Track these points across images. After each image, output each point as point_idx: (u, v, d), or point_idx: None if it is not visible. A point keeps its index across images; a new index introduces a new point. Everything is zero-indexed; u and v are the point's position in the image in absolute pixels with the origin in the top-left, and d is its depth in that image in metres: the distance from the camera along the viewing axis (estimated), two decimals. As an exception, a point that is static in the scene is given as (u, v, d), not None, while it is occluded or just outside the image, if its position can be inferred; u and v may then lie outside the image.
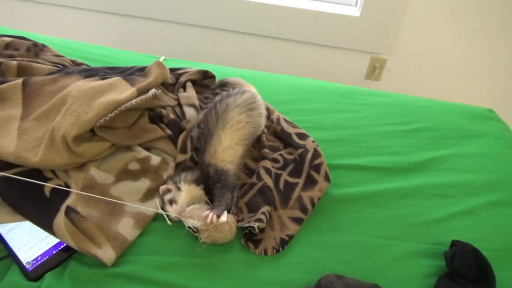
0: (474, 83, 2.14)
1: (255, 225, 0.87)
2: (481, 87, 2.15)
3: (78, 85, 0.99)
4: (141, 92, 0.98)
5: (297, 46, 2.22)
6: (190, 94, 1.11)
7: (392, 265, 0.87)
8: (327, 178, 1.00)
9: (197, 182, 0.92)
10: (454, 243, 0.87)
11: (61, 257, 0.84)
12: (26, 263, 0.83)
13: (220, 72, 1.35)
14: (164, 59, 1.46)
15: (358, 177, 1.06)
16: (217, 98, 1.05)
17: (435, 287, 0.81)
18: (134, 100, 0.93)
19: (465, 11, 1.88)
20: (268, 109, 1.17)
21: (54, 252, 0.85)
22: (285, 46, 2.23)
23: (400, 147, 1.15)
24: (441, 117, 1.27)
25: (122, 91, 0.98)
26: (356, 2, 2.12)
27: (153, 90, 0.98)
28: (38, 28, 2.16)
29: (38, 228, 0.87)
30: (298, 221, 0.93)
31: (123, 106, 0.91)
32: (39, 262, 0.83)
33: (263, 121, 1.09)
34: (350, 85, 1.43)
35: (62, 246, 0.86)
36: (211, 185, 0.92)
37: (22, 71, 1.13)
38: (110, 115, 0.90)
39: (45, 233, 0.86)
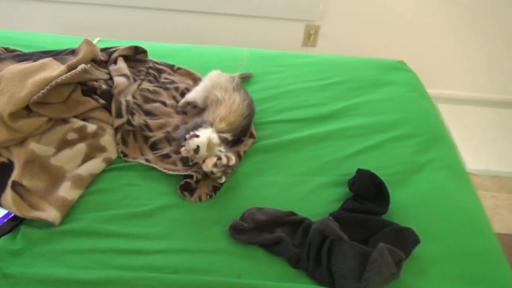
0: (402, 38, 2.31)
1: (194, 174, 0.99)
2: (409, 42, 2.32)
3: (11, 67, 1.06)
4: (71, 68, 1.06)
5: (233, 19, 2.31)
6: (120, 66, 1.20)
7: (307, 196, 1.01)
8: (251, 136, 1.13)
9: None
10: (357, 171, 1.02)
11: (12, 225, 0.93)
12: (-20, 231, 0.91)
13: (156, 48, 1.44)
14: (99, 40, 1.52)
15: (281, 129, 1.19)
16: None
17: (341, 207, 0.97)
18: (64, 75, 1.01)
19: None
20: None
21: (5, 220, 0.94)
22: (223, 20, 2.31)
23: (319, 99, 1.30)
24: (356, 71, 1.43)
25: (53, 70, 1.05)
26: (286, -27, 2.22)
27: (82, 65, 1.06)
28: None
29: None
30: (227, 170, 1.05)
31: (54, 81, 0.99)
32: (-8, 229, 0.92)
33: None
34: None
35: (12, 215, 0.94)
36: None
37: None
38: (42, 91, 0.98)
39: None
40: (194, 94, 1.19)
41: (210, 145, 0.96)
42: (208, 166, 0.95)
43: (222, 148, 0.99)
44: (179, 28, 2.34)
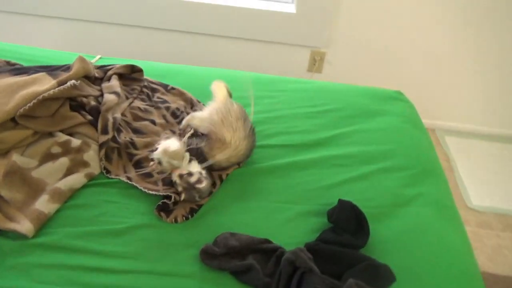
0: (409, 69, 2.31)
1: (173, 195, 0.98)
2: (417, 73, 2.31)
3: (4, 81, 1.08)
4: (61, 84, 1.08)
5: (239, 43, 2.35)
6: (112, 83, 1.22)
7: (286, 224, 0.99)
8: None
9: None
10: (338, 202, 1.00)
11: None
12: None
13: (157, 68, 1.47)
14: (100, 58, 1.55)
15: (266, 154, 1.18)
16: None
17: (318, 237, 0.94)
18: (52, 90, 1.03)
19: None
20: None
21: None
22: (229, 43, 2.35)
23: (309, 126, 1.29)
24: (349, 99, 1.42)
25: (44, 84, 1.07)
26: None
27: (72, 81, 1.09)
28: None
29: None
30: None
31: (41, 96, 1.01)
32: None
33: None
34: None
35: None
36: None
37: (-45, 72, 1.21)
38: (29, 104, 0.99)
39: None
40: (199, 123, 1.15)
41: (166, 153, 0.96)
42: (174, 175, 0.96)
43: (201, 170, 0.99)
44: (185, 49, 2.39)
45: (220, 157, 1.05)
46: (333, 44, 2.31)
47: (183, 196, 0.97)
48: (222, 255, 0.88)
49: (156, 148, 0.98)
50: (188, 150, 1.02)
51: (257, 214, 1.01)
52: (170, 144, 0.97)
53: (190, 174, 0.97)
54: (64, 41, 2.40)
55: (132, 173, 1.07)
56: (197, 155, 1.04)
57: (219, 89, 1.18)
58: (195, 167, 0.98)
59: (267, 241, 0.92)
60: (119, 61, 1.54)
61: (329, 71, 2.42)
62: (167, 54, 2.39)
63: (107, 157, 1.08)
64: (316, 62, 2.40)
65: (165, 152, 0.96)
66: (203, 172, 1.00)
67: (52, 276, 0.85)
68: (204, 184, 0.96)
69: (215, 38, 2.34)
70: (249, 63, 2.42)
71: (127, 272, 0.87)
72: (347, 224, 0.95)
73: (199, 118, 1.16)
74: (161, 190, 1.03)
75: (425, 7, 2.06)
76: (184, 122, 1.20)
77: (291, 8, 2.22)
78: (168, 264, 0.89)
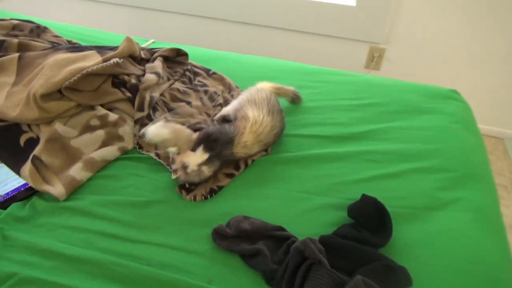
0: (475, 72, 2.12)
1: None
2: (482, 76, 2.12)
3: (58, 56, 1.17)
4: (106, 61, 1.14)
5: (298, 35, 2.32)
6: (155, 64, 1.27)
7: (304, 214, 0.96)
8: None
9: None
10: (361, 197, 0.94)
11: (27, 194, 1.02)
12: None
13: (205, 54, 1.51)
14: (153, 42, 1.62)
15: (298, 143, 1.15)
16: None
17: (335, 231, 0.89)
18: (96, 66, 1.10)
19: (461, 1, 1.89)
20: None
21: (22, 189, 1.03)
22: (286, 35, 2.33)
23: (346, 119, 1.23)
24: (397, 95, 1.33)
25: (91, 61, 1.14)
26: (354, -8, 2.18)
27: (116, 59, 1.14)
28: (54, 16, 2.43)
29: (10, 171, 1.06)
30: (229, 176, 1.04)
31: (85, 70, 1.07)
32: (9, 196, 1.01)
33: None
34: None
35: (28, 186, 1.03)
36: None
37: (22, 48, 1.33)
38: (74, 78, 1.07)
39: (16, 177, 1.05)
40: (230, 108, 1.17)
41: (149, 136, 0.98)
42: (177, 158, 0.99)
43: (202, 161, 1.00)
44: (240, 39, 2.41)
45: (246, 136, 1.04)
46: (394, 40, 2.19)
47: (180, 178, 0.99)
48: (233, 237, 0.87)
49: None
50: (217, 138, 1.03)
51: (276, 202, 0.99)
52: (153, 128, 0.99)
53: (186, 165, 0.98)
54: (125, 27, 2.55)
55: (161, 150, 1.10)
56: (227, 141, 1.04)
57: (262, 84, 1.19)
58: (197, 157, 0.99)
59: (281, 228, 0.90)
60: (170, 45, 1.59)
61: (388, 68, 2.30)
62: (221, 42, 2.43)
63: (141, 133, 1.12)
64: (374, 58, 2.29)
65: (149, 135, 0.99)
66: (204, 166, 1.00)
67: (74, 238, 0.91)
68: (191, 167, 0.98)
69: (273, 30, 2.33)
70: (305, 56, 2.39)
71: (142, 242, 0.90)
72: (367, 220, 0.89)
73: (231, 104, 1.17)
74: None
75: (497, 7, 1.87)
76: (218, 114, 1.21)
77: (351, 1, 2.14)
78: (181, 240, 0.90)
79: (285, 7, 2.20)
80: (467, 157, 1.11)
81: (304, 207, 0.98)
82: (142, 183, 1.04)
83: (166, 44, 1.62)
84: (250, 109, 1.08)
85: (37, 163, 1.01)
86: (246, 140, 1.05)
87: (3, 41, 1.28)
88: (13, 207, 0.97)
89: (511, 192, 1.95)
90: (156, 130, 0.99)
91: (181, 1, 2.32)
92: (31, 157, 1.03)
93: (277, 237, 0.88)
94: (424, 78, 2.22)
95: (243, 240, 0.88)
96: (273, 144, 1.12)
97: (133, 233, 0.92)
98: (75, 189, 1.00)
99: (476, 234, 0.92)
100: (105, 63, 1.12)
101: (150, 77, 1.20)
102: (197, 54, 1.53)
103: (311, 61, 2.36)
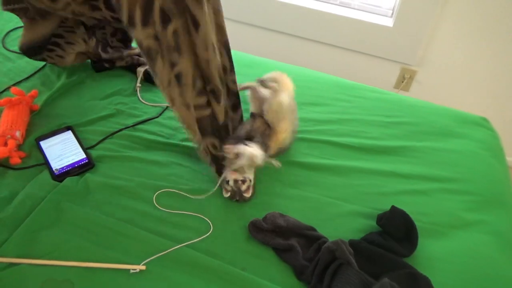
0: (506, 103, 2.15)
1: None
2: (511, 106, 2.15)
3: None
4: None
5: (331, 49, 2.39)
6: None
7: (334, 219, 1.02)
8: None
9: None
10: (390, 208, 1.00)
11: (80, 170, 1.11)
12: (55, 169, 1.10)
13: (257, 61, 1.62)
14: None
15: (332, 151, 1.22)
16: None
17: (363, 237, 0.96)
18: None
19: (497, 29, 1.93)
20: None
21: (76, 165, 1.12)
22: (321, 48, 2.41)
23: (379, 134, 1.29)
24: (428, 116, 1.39)
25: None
26: (392, 14, 2.24)
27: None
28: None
29: (68, 147, 1.15)
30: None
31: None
32: (64, 170, 1.11)
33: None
34: None
35: (83, 162, 1.12)
36: None
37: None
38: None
39: (73, 151, 1.14)
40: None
41: (251, 160, 1.00)
42: (230, 176, 1.02)
43: (252, 178, 1.05)
44: (277, 49, 2.49)
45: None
46: (426, 64, 2.24)
47: (226, 195, 1.04)
48: (268, 231, 0.94)
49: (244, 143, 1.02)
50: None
51: (309, 204, 1.06)
52: (256, 154, 1.01)
53: (244, 180, 1.02)
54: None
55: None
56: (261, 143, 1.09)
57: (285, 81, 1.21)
58: (251, 174, 1.05)
59: (313, 229, 0.96)
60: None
61: (417, 90, 2.35)
62: (260, 50, 2.51)
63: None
64: (404, 79, 2.35)
65: (251, 159, 1.00)
66: (252, 180, 1.05)
67: (119, 214, 0.99)
68: (249, 195, 1.03)
69: (310, 43, 2.41)
70: (338, 71, 2.45)
71: (182, 226, 0.98)
72: (395, 230, 0.95)
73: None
74: None
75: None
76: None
77: (388, 22, 2.20)
78: (219, 230, 0.98)
79: (325, 22, 2.27)
80: (493, 184, 1.16)
81: (335, 212, 1.04)
82: (185, 172, 1.12)
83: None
84: (282, 120, 1.11)
85: None
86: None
87: None
88: (68, 181, 1.06)
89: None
90: (261, 156, 1.02)
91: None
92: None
93: (309, 236, 0.95)
94: (453, 104, 2.26)
95: (278, 235, 0.94)
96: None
97: (174, 217, 0.99)
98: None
99: (495, 255, 0.97)
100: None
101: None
102: (238, 58, 1.60)
103: (344, 75, 2.42)
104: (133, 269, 0.86)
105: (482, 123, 1.41)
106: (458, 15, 1.99)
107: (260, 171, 1.11)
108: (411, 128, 1.33)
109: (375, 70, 2.39)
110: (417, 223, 0.99)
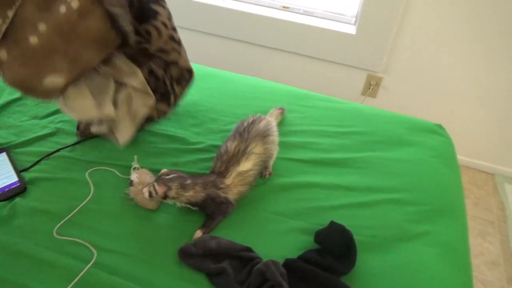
0: (470, 107, 2.15)
1: None
2: (478, 111, 2.15)
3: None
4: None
5: (297, 58, 2.37)
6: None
7: (274, 236, 0.98)
8: None
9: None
10: (329, 224, 0.96)
11: (10, 194, 1.05)
12: (-16, 194, 1.05)
13: (208, 72, 1.57)
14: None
15: (278, 166, 1.18)
16: (240, 124, 1.12)
17: (300, 255, 0.91)
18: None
19: (463, 31, 1.92)
20: None
21: (6, 189, 1.07)
22: (286, 57, 2.39)
23: (328, 145, 1.26)
24: (382, 125, 1.36)
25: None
26: (355, 21, 2.23)
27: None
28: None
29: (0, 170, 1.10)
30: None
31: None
32: (-6, 194, 1.05)
33: (275, 149, 1.14)
34: (347, 100, 1.55)
35: (14, 186, 1.07)
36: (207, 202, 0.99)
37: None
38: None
39: (5, 174, 1.09)
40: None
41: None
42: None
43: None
44: (239, 58, 2.46)
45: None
46: (391, 70, 2.23)
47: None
48: (198, 255, 0.90)
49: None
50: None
51: (250, 222, 1.01)
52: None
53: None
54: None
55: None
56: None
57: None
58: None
59: (248, 249, 0.92)
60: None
61: (384, 97, 2.34)
62: (226, 62, 2.48)
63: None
64: (371, 86, 2.33)
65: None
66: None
67: (38, 238, 0.94)
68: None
69: (271, 51, 2.38)
70: (303, 79, 2.43)
71: (110, 251, 0.93)
72: (333, 247, 0.91)
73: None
74: None
75: (494, 41, 1.91)
76: None
77: (351, 29, 2.19)
78: (149, 254, 0.93)
79: (286, 29, 2.25)
80: (441, 192, 1.13)
81: (275, 229, 1.00)
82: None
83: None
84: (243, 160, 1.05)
85: None
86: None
87: None
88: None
89: (497, 228, 1.95)
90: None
91: (186, 17, 2.38)
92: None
93: (242, 257, 0.90)
94: (419, 109, 2.26)
95: (209, 259, 0.90)
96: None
97: (104, 242, 0.94)
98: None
99: (440, 268, 0.94)
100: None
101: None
102: (198, 71, 1.57)
103: (308, 84, 2.41)
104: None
105: (437, 130, 1.39)
106: (419, 21, 1.99)
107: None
108: (362, 138, 1.30)
109: (341, 78, 2.37)
110: (359, 237, 0.96)
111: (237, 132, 1.10)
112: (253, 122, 1.12)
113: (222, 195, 1.00)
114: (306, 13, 2.29)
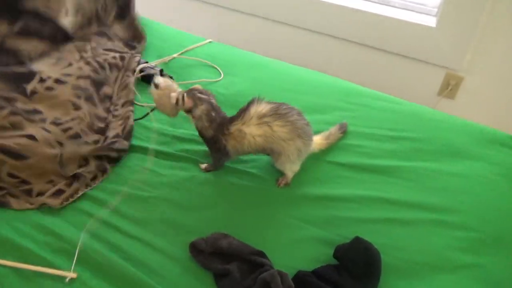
0: None
1: None
2: None
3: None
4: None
5: (365, 51, 2.20)
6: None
7: (293, 244, 0.92)
8: None
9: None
10: (353, 239, 0.87)
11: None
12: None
13: (257, 60, 1.53)
14: (209, 42, 1.66)
15: (315, 168, 1.09)
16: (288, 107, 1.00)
17: (315, 269, 0.84)
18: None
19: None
20: None
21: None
22: (352, 49, 2.23)
23: (374, 150, 1.14)
24: (441, 133, 1.19)
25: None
26: (437, 12, 2.00)
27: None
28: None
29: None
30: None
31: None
32: None
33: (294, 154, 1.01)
34: (420, 100, 1.41)
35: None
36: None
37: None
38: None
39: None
40: None
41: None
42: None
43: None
44: (305, 48, 2.35)
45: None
46: (475, 69, 1.96)
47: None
48: (208, 253, 0.86)
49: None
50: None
51: (268, 224, 0.96)
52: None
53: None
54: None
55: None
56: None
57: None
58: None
59: (260, 253, 0.86)
60: (228, 48, 1.61)
61: (464, 99, 2.08)
62: (283, 48, 2.37)
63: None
64: (450, 86, 2.09)
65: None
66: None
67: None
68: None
69: (338, 41, 2.24)
70: (368, 75, 2.26)
71: (129, 235, 0.93)
72: (352, 265, 0.82)
73: None
74: None
75: None
76: None
77: (431, 21, 1.97)
78: (165, 242, 0.92)
79: (358, 19, 2.10)
80: (500, 218, 0.96)
81: (293, 236, 0.93)
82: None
83: (223, 45, 1.65)
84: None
85: None
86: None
87: None
88: None
89: None
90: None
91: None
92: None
93: (252, 262, 0.85)
94: (505, 119, 1.96)
95: (219, 258, 0.86)
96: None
97: (126, 225, 0.95)
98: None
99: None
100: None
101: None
102: (242, 58, 1.53)
103: (374, 80, 2.21)
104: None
105: (508, 143, 1.18)
106: None
107: (224, 185, 1.04)
108: (416, 145, 1.16)
109: (415, 75, 2.15)
110: (387, 258, 0.85)
111: (279, 106, 0.98)
112: (299, 114, 1.01)
113: (223, 142, 0.98)
114: (382, 2, 2.10)
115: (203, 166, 1.07)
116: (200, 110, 0.97)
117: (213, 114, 0.98)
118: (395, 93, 1.43)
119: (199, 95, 0.97)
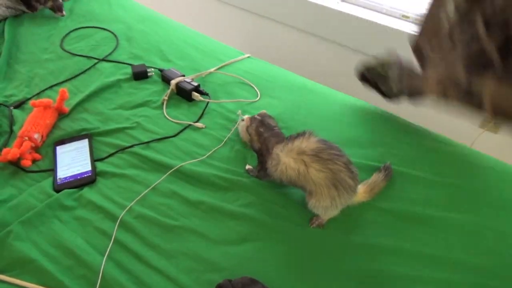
0: None
1: None
2: None
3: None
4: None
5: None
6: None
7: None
8: None
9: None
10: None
11: (81, 182, 1.09)
12: (59, 178, 1.10)
13: (301, 84, 1.46)
14: (248, 57, 1.60)
15: (358, 215, 1.01)
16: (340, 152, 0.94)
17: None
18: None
19: None
20: None
21: (79, 177, 1.10)
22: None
23: (418, 195, 1.06)
24: (499, 183, 1.10)
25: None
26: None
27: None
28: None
29: (79, 156, 1.15)
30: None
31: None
32: (66, 180, 1.10)
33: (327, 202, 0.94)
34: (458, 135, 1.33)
35: (86, 175, 1.10)
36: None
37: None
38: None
39: (82, 162, 1.14)
40: None
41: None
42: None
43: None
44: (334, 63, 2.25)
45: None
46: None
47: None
48: (233, 298, 0.81)
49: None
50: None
51: (299, 270, 0.89)
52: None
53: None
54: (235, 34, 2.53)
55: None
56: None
57: None
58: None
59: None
60: (266, 65, 1.56)
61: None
62: (309, 62, 2.28)
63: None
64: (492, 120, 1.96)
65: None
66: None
67: (89, 235, 0.94)
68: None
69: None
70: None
71: (153, 267, 0.89)
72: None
73: None
74: None
75: None
76: None
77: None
78: (191, 280, 0.87)
79: (402, 40, 1.99)
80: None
81: (327, 288, 0.86)
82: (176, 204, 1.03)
83: (261, 62, 1.59)
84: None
85: None
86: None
87: None
88: (63, 194, 1.04)
89: None
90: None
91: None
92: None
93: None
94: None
95: (244, 305, 0.81)
96: None
97: (150, 256, 0.91)
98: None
99: None
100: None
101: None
102: (280, 77, 1.47)
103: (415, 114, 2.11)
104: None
105: None
106: None
107: (256, 218, 0.98)
108: (465, 194, 1.07)
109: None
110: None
111: (325, 150, 0.92)
112: (346, 164, 0.92)
113: (265, 158, 1.02)
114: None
115: (249, 167, 1.12)
116: (251, 127, 1.07)
117: (261, 129, 1.05)
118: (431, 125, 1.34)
119: (257, 116, 1.09)
